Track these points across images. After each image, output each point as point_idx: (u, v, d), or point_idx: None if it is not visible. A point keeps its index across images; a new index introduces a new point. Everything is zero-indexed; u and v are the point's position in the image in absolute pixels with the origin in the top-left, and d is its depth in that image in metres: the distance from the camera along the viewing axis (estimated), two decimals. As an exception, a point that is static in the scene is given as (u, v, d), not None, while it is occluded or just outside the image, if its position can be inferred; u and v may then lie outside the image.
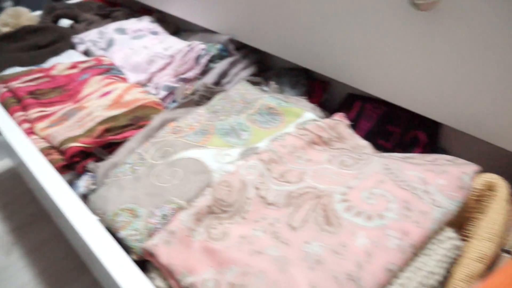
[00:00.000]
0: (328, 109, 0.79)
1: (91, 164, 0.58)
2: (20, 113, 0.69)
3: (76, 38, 0.92)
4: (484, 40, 0.46)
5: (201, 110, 0.63)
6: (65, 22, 1.03)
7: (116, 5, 1.18)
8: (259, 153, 0.52)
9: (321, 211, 0.43)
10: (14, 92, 0.72)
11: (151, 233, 0.46)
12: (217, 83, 0.76)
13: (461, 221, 0.50)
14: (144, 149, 0.57)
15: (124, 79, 0.78)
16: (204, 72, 0.78)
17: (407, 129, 0.67)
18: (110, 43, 0.88)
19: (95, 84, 0.73)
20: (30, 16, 1.06)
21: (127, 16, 1.05)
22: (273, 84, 0.70)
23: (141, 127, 0.63)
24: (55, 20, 1.05)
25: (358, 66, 0.61)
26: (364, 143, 0.58)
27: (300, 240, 0.41)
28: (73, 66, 0.80)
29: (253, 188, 0.49)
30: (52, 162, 0.58)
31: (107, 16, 1.07)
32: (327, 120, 0.58)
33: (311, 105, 0.63)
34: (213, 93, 0.68)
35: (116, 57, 0.84)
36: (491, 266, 0.43)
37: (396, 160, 0.49)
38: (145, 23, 0.95)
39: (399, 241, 0.39)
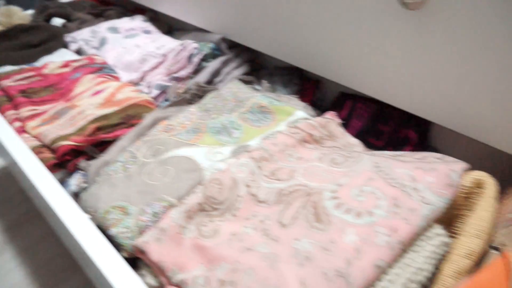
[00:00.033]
0: (321, 108, 0.80)
1: (82, 163, 0.58)
2: (12, 111, 0.69)
3: (68, 37, 0.92)
4: (472, 38, 0.47)
5: (193, 109, 0.63)
6: (57, 21, 1.03)
7: (108, 4, 1.18)
8: (250, 151, 0.52)
9: (311, 209, 0.44)
10: (6, 90, 0.72)
11: (142, 231, 0.46)
12: (210, 82, 0.77)
13: (450, 218, 0.50)
14: (136, 147, 0.57)
15: (116, 78, 0.78)
16: (197, 71, 0.78)
17: (398, 127, 0.68)
18: (102, 42, 0.88)
19: (87, 83, 0.73)
20: (22, 15, 1.05)
21: (119, 15, 1.05)
22: (265, 83, 0.70)
23: (133, 125, 0.63)
24: (48, 19, 1.04)
25: (349, 65, 0.61)
26: (355, 141, 0.58)
27: (290, 237, 0.42)
28: (65, 65, 0.80)
29: (244, 185, 0.49)
30: (43, 160, 0.58)
31: (99, 15, 1.06)
32: (319, 119, 0.58)
33: (303, 104, 0.64)
34: (205, 92, 0.68)
35: (109, 56, 0.84)
36: (479, 262, 0.44)
37: (386, 158, 0.49)
38: (137, 22, 0.95)
39: (388, 237, 0.40)
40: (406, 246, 0.41)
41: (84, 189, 0.56)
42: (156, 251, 0.43)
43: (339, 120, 0.60)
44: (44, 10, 1.06)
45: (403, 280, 0.40)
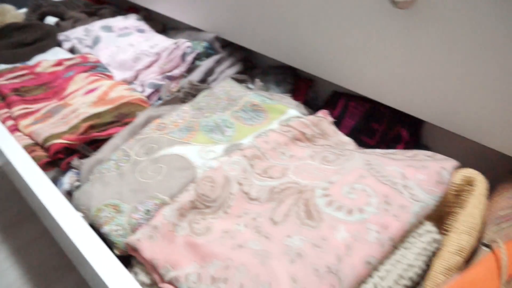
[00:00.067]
0: (314, 106, 0.80)
1: (75, 161, 0.58)
2: (4, 110, 0.69)
3: (61, 36, 0.92)
4: (462, 37, 0.47)
5: (185, 107, 0.63)
6: (51, 20, 1.02)
7: (102, 2, 1.17)
8: (243, 149, 0.52)
9: (302, 206, 0.44)
10: (-2, 89, 0.72)
11: (134, 228, 0.46)
12: (203, 80, 0.77)
13: (441, 216, 0.51)
14: (129, 145, 0.57)
15: (110, 77, 0.78)
16: (190, 70, 0.78)
17: (390, 126, 0.68)
18: (96, 41, 0.88)
19: (80, 82, 0.73)
20: (16, 14, 1.05)
21: (113, 14, 1.05)
22: (258, 82, 0.71)
23: (126, 124, 0.64)
24: (41, 17, 1.04)
25: (342, 64, 0.61)
26: (347, 139, 0.58)
27: (281, 234, 0.42)
28: (58, 64, 0.80)
29: (236, 183, 0.49)
30: (36, 159, 0.58)
31: (93, 14, 1.06)
32: (311, 117, 0.58)
33: (295, 102, 0.64)
34: (198, 91, 0.68)
35: (102, 54, 0.84)
36: (470, 259, 0.44)
37: (377, 156, 0.49)
38: (131, 21, 0.95)
39: (378, 234, 0.40)
40: (397, 242, 0.41)
41: (77, 187, 0.56)
42: (148, 249, 0.43)
43: (331, 119, 0.60)
44: (37, 9, 1.05)
45: (394, 277, 0.40)
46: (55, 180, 0.60)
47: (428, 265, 0.44)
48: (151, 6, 0.94)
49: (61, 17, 1.04)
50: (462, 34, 0.47)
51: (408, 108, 0.57)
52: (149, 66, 0.78)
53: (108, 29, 0.91)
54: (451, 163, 0.47)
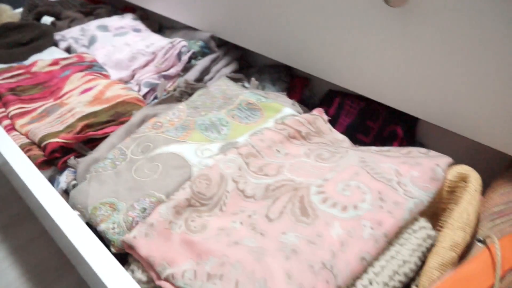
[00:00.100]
0: (310, 105, 0.81)
1: (71, 160, 0.58)
2: (1, 109, 0.69)
3: (58, 35, 0.92)
4: (455, 34, 0.47)
5: (181, 106, 0.63)
6: (47, 19, 1.02)
7: (98, 2, 1.17)
8: (238, 148, 0.53)
9: (297, 203, 0.44)
10: (-5, 89, 0.72)
11: (130, 226, 0.47)
12: (199, 79, 0.77)
13: (436, 212, 0.51)
14: (125, 144, 0.57)
15: (106, 76, 0.78)
16: (186, 69, 0.78)
17: (386, 124, 0.68)
18: (92, 40, 0.88)
19: (76, 81, 0.73)
20: (12, 14, 1.05)
21: (109, 14, 1.05)
22: (254, 81, 0.71)
23: (122, 123, 0.64)
24: (37, 17, 1.04)
25: (336, 62, 0.62)
26: (342, 137, 0.59)
27: (277, 231, 0.42)
28: (54, 63, 0.80)
29: (231, 181, 0.49)
30: (32, 158, 0.58)
31: (89, 14, 1.06)
32: (306, 115, 0.59)
33: (291, 101, 0.64)
34: (193, 89, 0.68)
35: (98, 54, 0.84)
36: (464, 255, 0.44)
37: (372, 153, 0.50)
38: (127, 20, 0.95)
39: (373, 231, 0.40)
40: (391, 239, 0.41)
41: (74, 186, 0.56)
42: (144, 246, 0.43)
43: (326, 117, 0.60)
44: (33, 9, 1.05)
45: (388, 272, 0.40)
46: (52, 179, 0.60)
47: (423, 261, 0.44)
48: (147, 5, 0.94)
49: (57, 16, 1.04)
50: (455, 31, 0.47)
51: (403, 106, 0.58)
52: (145, 65, 0.79)
53: (104, 28, 0.91)
54: (445, 159, 0.47)
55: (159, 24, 1.02)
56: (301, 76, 0.81)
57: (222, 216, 0.46)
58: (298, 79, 0.80)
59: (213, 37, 0.81)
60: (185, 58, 0.77)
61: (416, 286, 0.42)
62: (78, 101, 0.67)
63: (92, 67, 0.78)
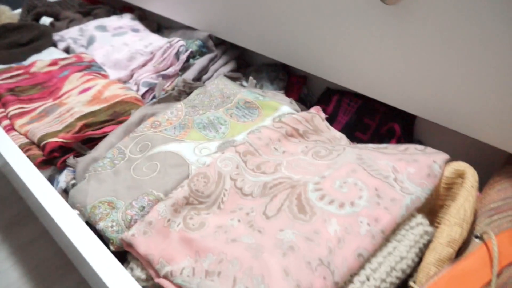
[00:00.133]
0: (308, 103, 0.81)
1: (71, 159, 0.58)
2: (0, 110, 0.69)
3: (56, 36, 0.92)
4: (451, 32, 0.47)
5: (179, 105, 0.63)
6: (46, 20, 1.03)
7: (97, 2, 1.18)
8: (236, 146, 0.53)
9: (295, 200, 0.45)
10: (-6, 89, 0.72)
11: (129, 225, 0.47)
12: (198, 79, 0.77)
13: (434, 209, 0.51)
14: (124, 143, 0.58)
15: (105, 76, 0.78)
16: (185, 68, 0.78)
17: (383, 121, 0.69)
18: (90, 41, 0.88)
19: (75, 81, 0.74)
20: (11, 15, 1.05)
21: (108, 14, 1.05)
22: (251, 80, 0.71)
23: (120, 122, 0.64)
24: (36, 18, 1.04)
25: (334, 60, 0.62)
26: (340, 135, 0.59)
27: (274, 228, 0.42)
28: (53, 63, 0.80)
29: (229, 179, 0.50)
30: (32, 157, 0.59)
31: (88, 14, 1.06)
32: (303, 113, 0.59)
33: (288, 99, 0.65)
34: (192, 89, 0.68)
35: (97, 54, 0.85)
36: (462, 250, 0.45)
37: (369, 151, 0.50)
38: (126, 20, 0.96)
39: (370, 227, 0.40)
40: (388, 235, 0.42)
41: (73, 185, 0.57)
42: (143, 244, 0.43)
43: (323, 115, 0.60)
44: (32, 9, 1.06)
45: (386, 269, 0.41)
46: (52, 179, 0.60)
47: (420, 257, 0.44)
48: (145, 5, 0.94)
49: (56, 17, 1.04)
50: (450, 28, 0.47)
51: (401, 104, 0.58)
52: (143, 65, 0.79)
53: (102, 28, 0.92)
54: (442, 156, 0.48)
55: (157, 24, 1.02)
56: (299, 75, 0.82)
57: (220, 214, 0.47)
58: (295, 77, 0.81)
59: (211, 37, 0.81)
60: (183, 57, 0.77)
61: (414, 282, 0.42)
62: (77, 101, 0.67)
63: (91, 67, 0.78)
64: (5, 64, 0.83)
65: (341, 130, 0.71)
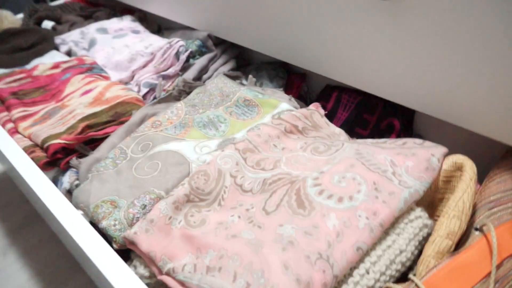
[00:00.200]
0: (308, 100, 0.81)
1: (73, 160, 0.59)
2: (4, 113, 0.70)
3: (58, 39, 0.93)
4: (448, 25, 0.48)
5: (179, 104, 0.64)
6: (47, 24, 1.04)
7: (98, 5, 1.18)
8: (235, 143, 0.54)
9: (294, 195, 0.45)
10: (-3, 93, 0.73)
11: (131, 223, 0.47)
12: (198, 78, 0.78)
13: (434, 202, 0.52)
14: (125, 143, 0.58)
15: (106, 78, 0.79)
16: (185, 68, 0.79)
17: (383, 117, 0.69)
18: (92, 43, 0.89)
19: (76, 83, 0.74)
20: (13, 19, 1.06)
21: (108, 16, 1.06)
22: (251, 78, 0.72)
23: (122, 123, 0.65)
24: (38, 22, 1.05)
25: (332, 57, 0.62)
26: (339, 130, 0.59)
27: (274, 223, 0.43)
28: (55, 66, 0.81)
29: (229, 176, 0.50)
30: (35, 159, 0.59)
31: (89, 17, 1.07)
32: (303, 110, 0.59)
33: (287, 96, 0.65)
34: (191, 88, 0.69)
35: (98, 56, 0.85)
36: (462, 243, 0.45)
37: (367, 145, 0.50)
38: (126, 22, 0.96)
39: (368, 220, 0.41)
40: (386, 228, 0.42)
41: (77, 186, 0.57)
42: (145, 242, 0.44)
43: (323, 111, 0.61)
44: (34, 14, 1.07)
45: (385, 262, 0.41)
46: (56, 180, 0.61)
47: (419, 250, 0.45)
48: (145, 7, 0.95)
49: (58, 21, 1.05)
50: (447, 22, 0.47)
51: (400, 99, 0.58)
52: (144, 66, 0.80)
53: (103, 31, 0.92)
54: (440, 149, 0.48)
55: (157, 25, 1.03)
56: (298, 72, 0.82)
57: (220, 211, 0.47)
58: (295, 75, 0.81)
59: (210, 36, 0.82)
60: (183, 57, 0.78)
61: (414, 274, 0.43)
62: (79, 103, 0.68)
63: (92, 69, 0.79)
64: (8, 68, 0.84)
65: (341, 126, 0.71)
